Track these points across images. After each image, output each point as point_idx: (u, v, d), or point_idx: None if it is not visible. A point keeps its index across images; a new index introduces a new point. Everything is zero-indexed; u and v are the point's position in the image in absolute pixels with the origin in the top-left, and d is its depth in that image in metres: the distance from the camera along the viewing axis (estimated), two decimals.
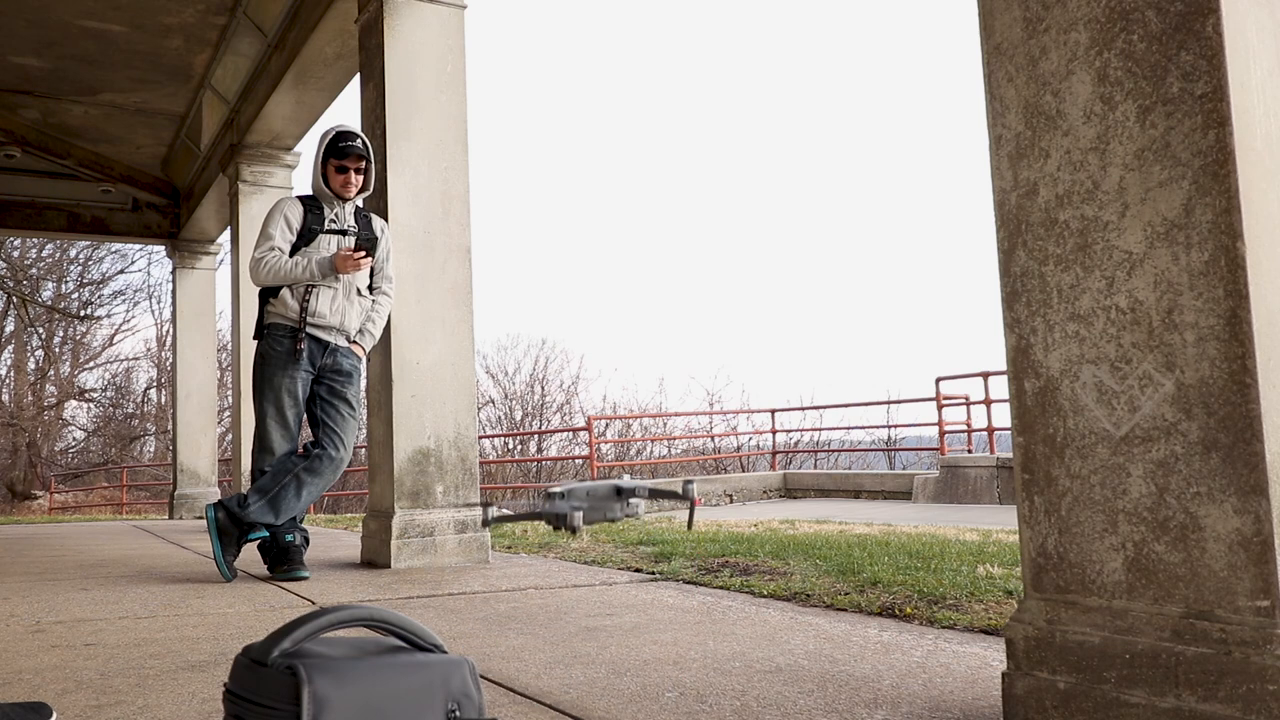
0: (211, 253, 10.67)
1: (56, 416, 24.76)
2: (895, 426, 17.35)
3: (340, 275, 4.04)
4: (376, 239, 4.22)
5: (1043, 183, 1.62)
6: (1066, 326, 1.58)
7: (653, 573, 3.93)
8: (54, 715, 1.50)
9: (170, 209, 10.58)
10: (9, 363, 24.20)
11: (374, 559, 4.44)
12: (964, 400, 12.49)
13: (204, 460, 10.20)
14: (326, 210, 4.13)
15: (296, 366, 4.02)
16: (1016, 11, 1.67)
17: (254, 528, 3.94)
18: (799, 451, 17.75)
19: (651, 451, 21.28)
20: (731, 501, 12.78)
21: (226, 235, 10.29)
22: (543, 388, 24.15)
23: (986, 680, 2.03)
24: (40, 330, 23.82)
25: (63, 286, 23.37)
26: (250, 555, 4.63)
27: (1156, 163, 1.46)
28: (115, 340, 25.24)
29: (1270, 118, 1.46)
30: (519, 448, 22.68)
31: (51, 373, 24.59)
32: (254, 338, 4.19)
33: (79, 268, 23.33)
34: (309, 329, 4.03)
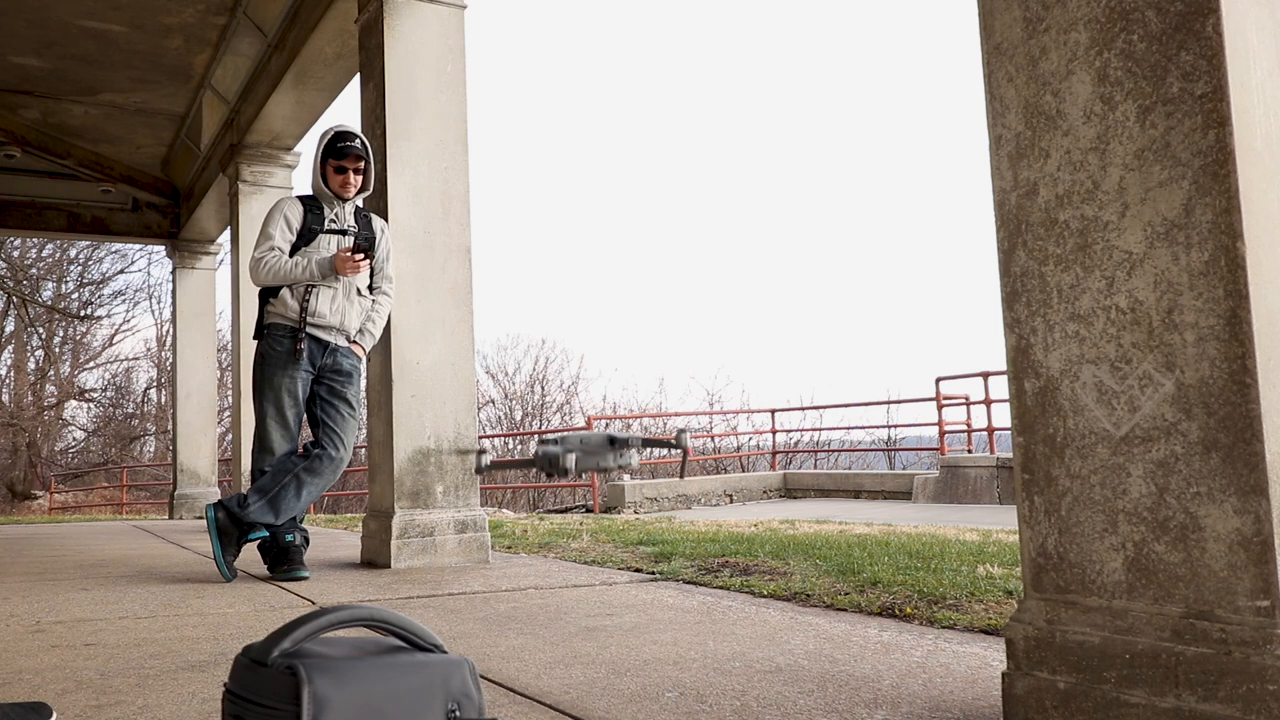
0: (211, 253, 10.67)
1: (56, 416, 24.76)
2: (895, 426, 17.35)
3: (340, 276, 4.04)
4: (376, 239, 4.22)
5: (1043, 183, 1.62)
6: (1066, 326, 1.58)
7: (653, 573, 3.93)
8: (54, 715, 1.50)
9: (170, 209, 10.58)
10: (9, 363, 24.21)
11: (374, 559, 4.44)
12: (964, 400, 12.49)
13: (204, 460, 10.20)
14: (326, 210, 4.13)
15: (296, 366, 4.02)
16: (1016, 11, 1.67)
17: (254, 528, 3.94)
18: (799, 451, 17.74)
19: (651, 451, 21.26)
20: (731, 501, 12.78)
21: (226, 235, 10.29)
22: (543, 388, 24.15)
23: (986, 680, 2.03)
24: (40, 330, 23.82)
25: (63, 286, 23.38)
26: (250, 555, 4.63)
27: (1156, 163, 1.46)
28: (115, 340, 25.25)
29: (1270, 118, 1.46)
30: (519, 448, 22.67)
31: (51, 373, 24.59)
32: (254, 338, 4.19)
33: (79, 268, 23.35)
34: (309, 329, 4.03)
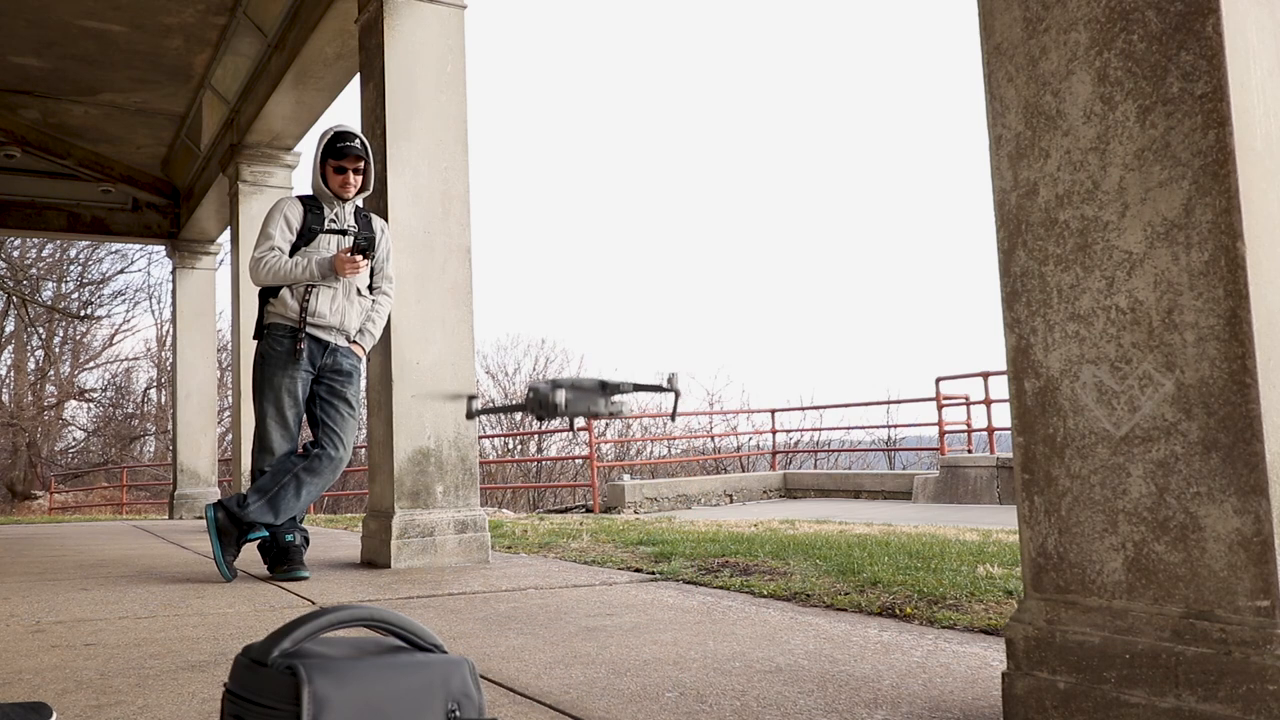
0: (211, 253, 10.67)
1: (56, 416, 24.76)
2: (895, 426, 17.35)
3: (340, 276, 4.04)
4: (376, 239, 4.22)
5: (1043, 183, 1.62)
6: (1066, 326, 1.58)
7: (653, 573, 3.93)
8: (54, 715, 1.50)
9: (170, 209, 10.58)
10: (9, 363, 24.21)
11: (374, 559, 4.44)
12: (964, 400, 12.49)
13: (204, 460, 10.20)
14: (326, 210, 4.13)
15: (296, 366, 4.02)
16: (1016, 11, 1.67)
17: (253, 527, 3.94)
18: (799, 451, 17.74)
19: (651, 451, 21.27)
20: (731, 501, 12.78)
21: (226, 235, 10.29)
22: None
23: (986, 680, 2.03)
24: (40, 330, 23.82)
25: (63, 286, 23.37)
26: (250, 555, 4.63)
27: (1156, 163, 1.46)
28: (115, 340, 25.25)
29: (1270, 118, 1.46)
30: (519, 448, 22.67)
31: (51, 373, 24.59)
32: (254, 338, 4.19)
33: (79, 268, 23.34)
34: (309, 329, 4.03)
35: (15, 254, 21.12)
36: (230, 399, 12.14)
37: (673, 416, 3.06)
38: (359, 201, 4.24)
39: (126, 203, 10.39)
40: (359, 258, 3.96)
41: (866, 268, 57.44)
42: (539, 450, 22.05)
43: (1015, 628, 1.64)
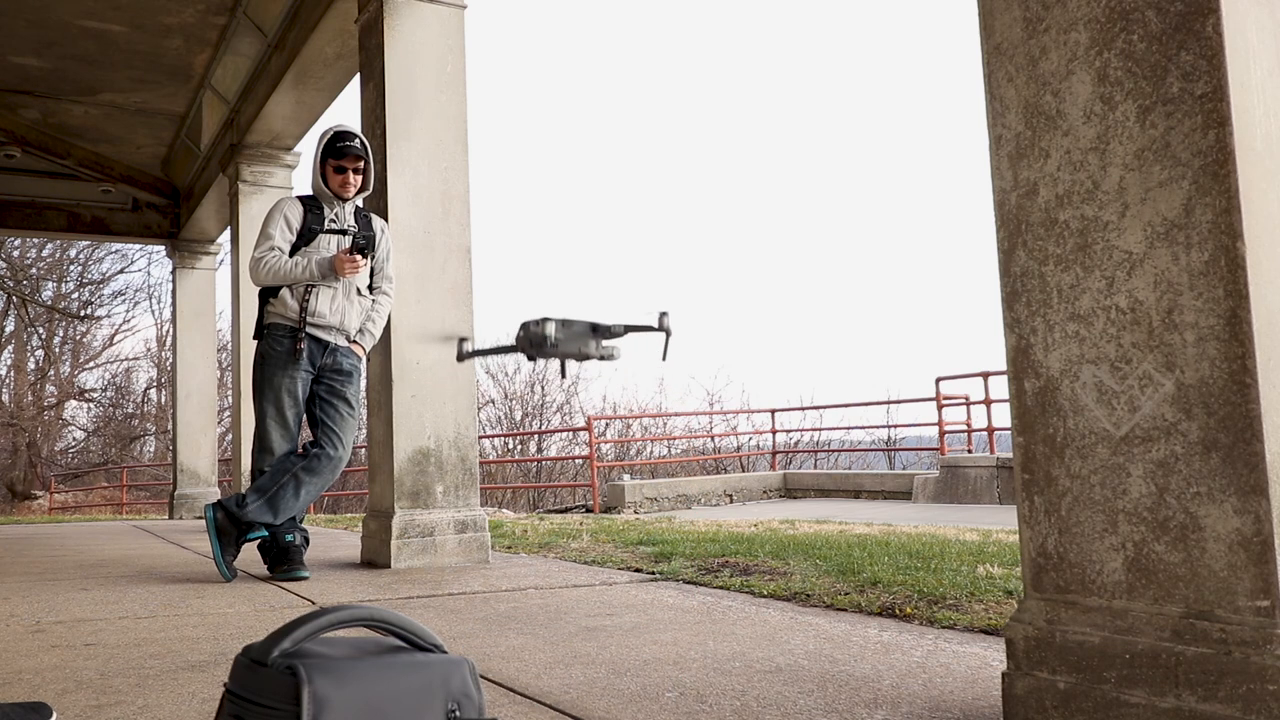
0: (211, 253, 10.67)
1: (56, 416, 24.76)
2: (895, 426, 17.35)
3: (340, 276, 4.04)
4: (375, 239, 4.22)
5: (1043, 183, 1.62)
6: (1066, 326, 1.58)
7: (653, 573, 3.93)
8: (54, 715, 1.50)
9: (170, 209, 10.58)
10: (9, 363, 24.21)
11: (374, 559, 4.44)
12: (964, 400, 12.49)
13: (204, 460, 10.20)
14: (326, 210, 4.13)
15: (296, 366, 4.02)
16: (1016, 11, 1.67)
17: (253, 527, 3.94)
18: (799, 451, 17.74)
19: (651, 451, 21.27)
20: (731, 501, 12.78)
21: (226, 235, 10.29)
22: (542, 388, 24.13)
23: (986, 680, 2.03)
24: (40, 330, 23.82)
25: (63, 286, 23.37)
26: (250, 555, 4.63)
27: (1156, 163, 1.46)
28: (115, 340, 25.25)
29: (1270, 118, 1.46)
30: (519, 448, 22.67)
31: (51, 373, 24.59)
32: (254, 338, 4.19)
33: (79, 268, 23.34)
34: (309, 329, 4.03)
35: (15, 254, 21.13)
36: (230, 399, 12.14)
37: (663, 357, 3.02)
38: (359, 201, 4.24)
39: (126, 203, 10.39)
40: (358, 257, 3.96)
41: (867, 268, 57.44)
42: (539, 450, 22.05)
43: (1015, 628, 1.64)
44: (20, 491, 22.17)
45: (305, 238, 4.07)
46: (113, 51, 7.46)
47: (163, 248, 11.51)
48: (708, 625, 2.74)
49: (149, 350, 25.69)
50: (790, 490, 13.39)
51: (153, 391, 25.57)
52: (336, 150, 4.07)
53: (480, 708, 1.19)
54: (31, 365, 24.36)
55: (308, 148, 8.15)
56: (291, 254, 4.04)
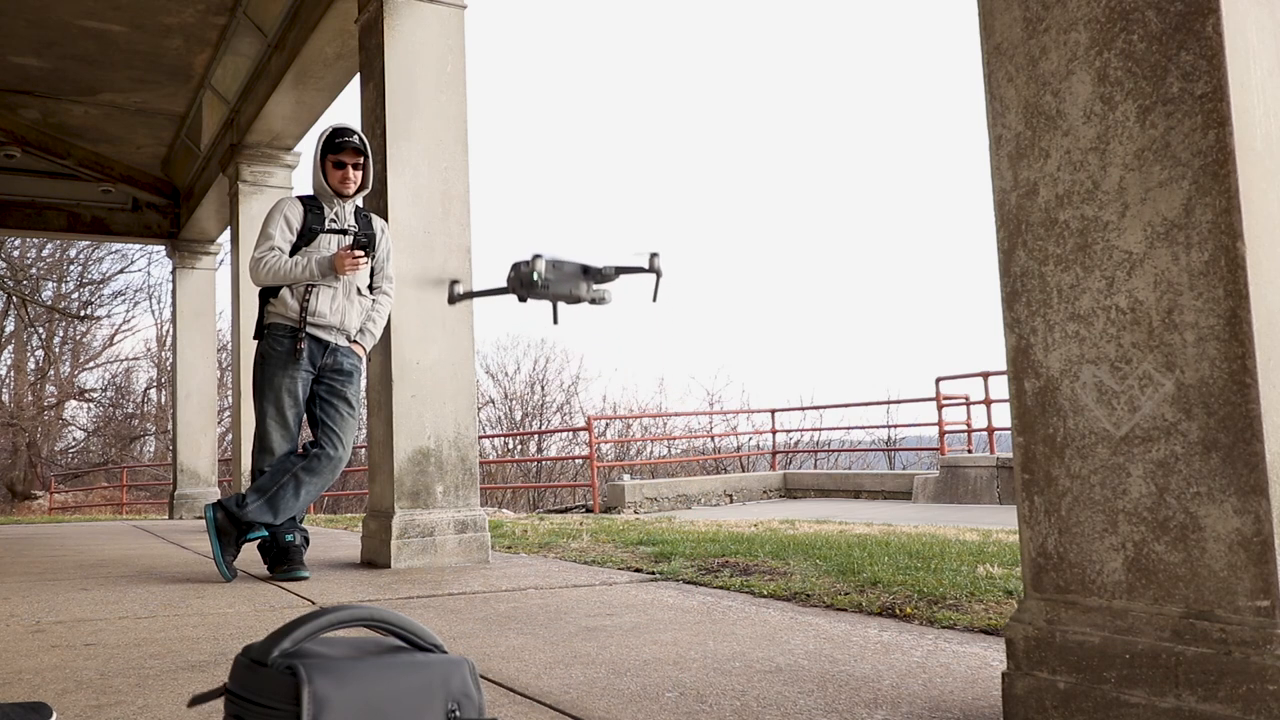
0: (211, 253, 10.67)
1: (56, 416, 24.76)
2: (895, 426, 17.35)
3: (340, 275, 4.04)
4: (375, 238, 4.22)
5: (1043, 183, 1.62)
6: (1066, 326, 1.58)
7: (653, 573, 3.93)
8: (54, 715, 1.50)
9: (170, 209, 10.58)
10: (9, 363, 24.21)
11: (374, 559, 4.44)
12: (964, 400, 12.49)
13: (204, 460, 10.20)
14: (327, 210, 4.13)
15: (297, 366, 4.02)
16: (1016, 11, 1.67)
17: (253, 527, 3.94)
18: (799, 451, 17.74)
19: (651, 451, 21.27)
20: (731, 501, 12.78)
21: (226, 235, 10.29)
22: (542, 388, 24.14)
23: (986, 680, 2.03)
24: (40, 330, 23.82)
25: (63, 286, 23.37)
26: (250, 555, 4.63)
27: (1156, 163, 1.46)
28: (115, 340, 25.25)
29: (1270, 118, 1.46)
30: (519, 448, 22.67)
31: (51, 373, 24.58)
32: (254, 338, 4.19)
33: (79, 268, 23.35)
34: (309, 329, 4.03)
35: (15, 254, 21.12)
36: (230, 399, 12.14)
37: (654, 298, 2.99)
38: (359, 201, 4.24)
39: (126, 203, 10.39)
40: (358, 252, 3.97)
41: (866, 268, 57.46)
42: (539, 450, 22.05)
43: (1015, 628, 1.64)
44: (20, 491, 22.18)
45: (305, 237, 4.07)
46: (113, 51, 7.46)
47: (163, 248, 11.51)
48: (708, 625, 2.74)
49: (149, 350, 25.71)
50: (790, 490, 13.39)
51: (153, 391, 25.59)
52: (335, 146, 4.08)
53: (480, 708, 1.19)
54: (31, 365, 24.36)
55: (308, 148, 8.16)
56: (292, 254, 4.04)
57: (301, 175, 11.00)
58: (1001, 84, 1.69)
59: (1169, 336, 1.44)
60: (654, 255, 2.42)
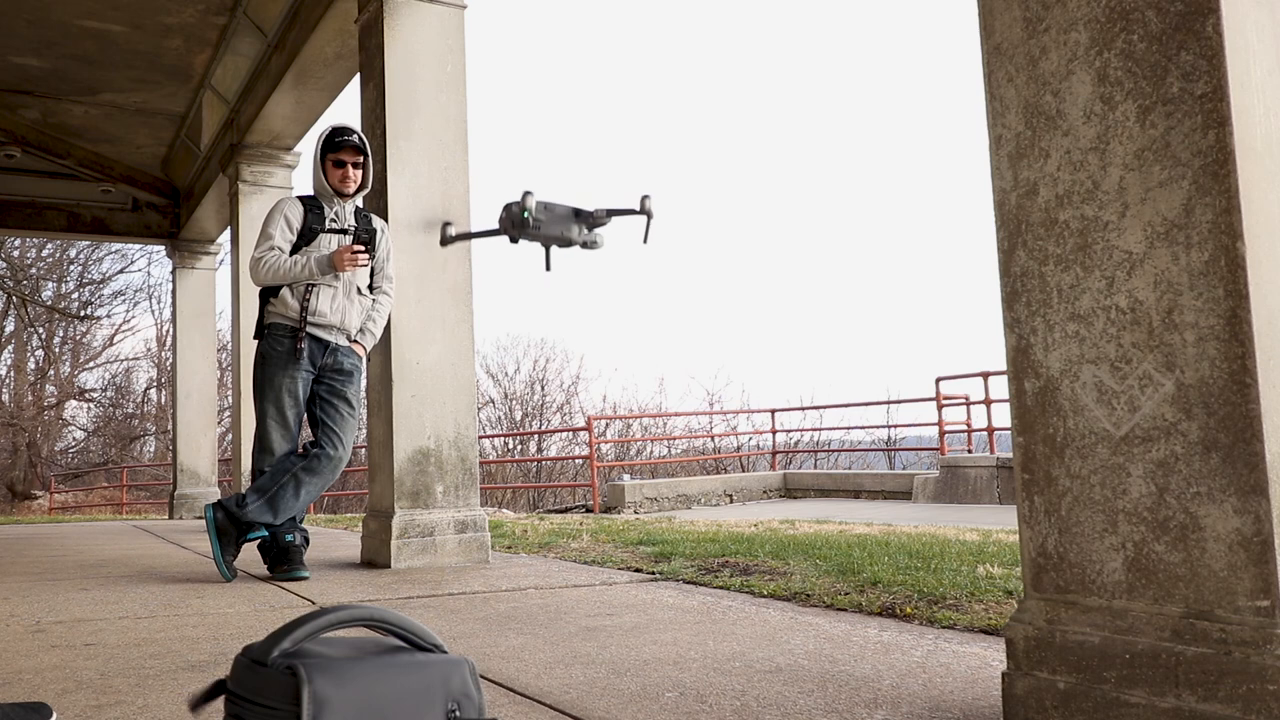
0: (211, 253, 10.67)
1: (56, 416, 24.76)
2: (895, 426, 17.36)
3: (340, 274, 4.04)
4: (375, 238, 4.22)
5: (1043, 183, 1.62)
6: (1066, 326, 1.58)
7: (653, 573, 3.93)
8: (54, 715, 1.50)
9: (170, 209, 10.58)
10: (9, 363, 24.21)
11: (374, 559, 4.44)
12: (964, 400, 12.49)
13: (204, 460, 10.20)
14: (327, 209, 4.13)
15: (297, 366, 4.02)
16: (1016, 11, 1.67)
17: (253, 527, 3.94)
18: (799, 451, 17.74)
19: (651, 451, 21.28)
20: (731, 501, 12.78)
21: (226, 235, 10.29)
22: (542, 388, 24.14)
23: (986, 680, 2.03)
24: (40, 330, 23.81)
25: (63, 286, 23.37)
26: (250, 555, 4.63)
27: (1156, 163, 1.46)
28: (115, 340, 25.25)
29: (1270, 118, 1.46)
30: (519, 448, 22.67)
31: (51, 373, 24.59)
32: (254, 337, 4.19)
33: (79, 268, 23.35)
34: (309, 328, 4.03)
35: (15, 254, 21.12)
36: (230, 399, 12.13)
37: (644, 239, 2.98)
38: (359, 201, 4.24)
39: (126, 203, 10.39)
40: (358, 247, 3.97)
41: (866, 267, 57.46)
42: (539, 450, 22.05)
43: (1015, 628, 1.64)
44: (20, 491, 22.17)
45: (306, 237, 4.07)
46: (113, 51, 7.46)
47: (163, 248, 11.50)
48: (708, 625, 2.74)
49: (149, 350, 25.71)
50: (790, 490, 13.39)
51: (153, 391, 25.59)
52: (335, 145, 4.08)
53: (480, 708, 1.19)
54: (31, 365, 24.36)
55: (308, 148, 8.15)
56: (292, 254, 4.04)
57: (301, 175, 11.01)
58: (1001, 84, 1.69)
59: (1169, 336, 1.44)
60: (645, 197, 2.42)
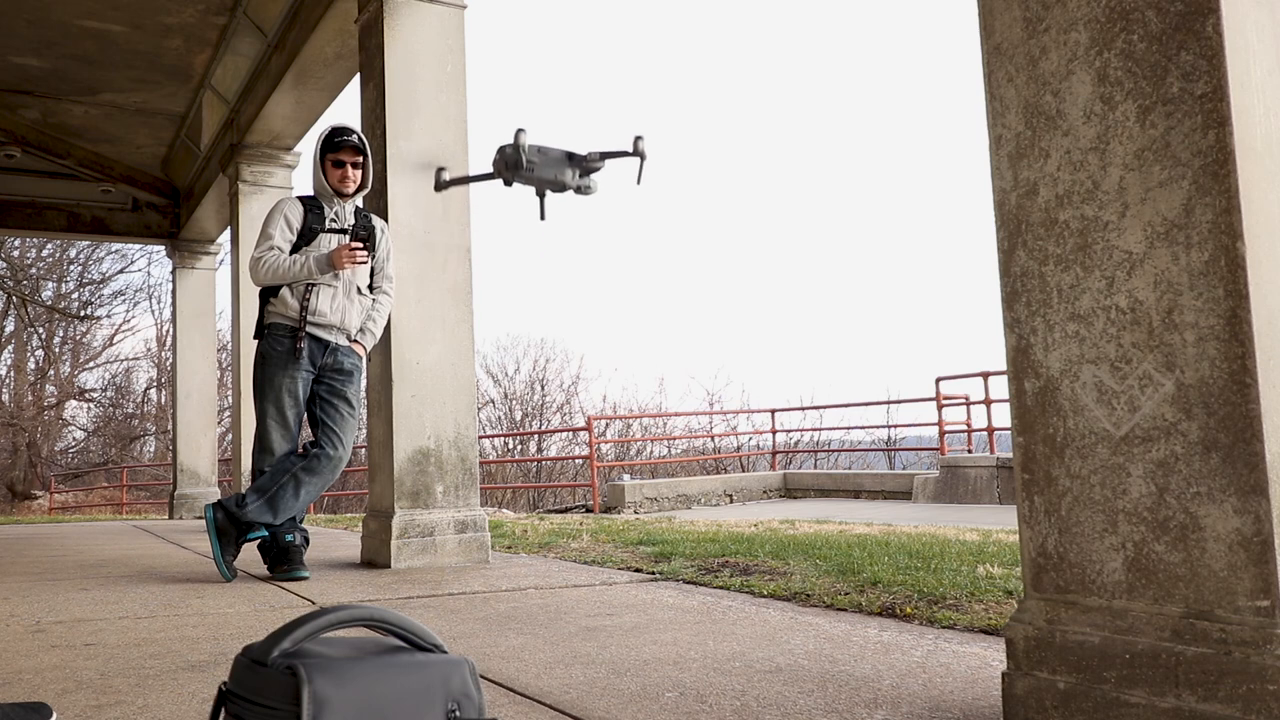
0: (211, 253, 10.67)
1: (56, 416, 24.76)
2: (895, 426, 17.36)
3: (340, 274, 4.04)
4: (375, 235, 4.22)
5: (1043, 183, 1.62)
6: (1066, 326, 1.58)
7: (653, 573, 3.93)
8: (54, 715, 1.50)
9: (170, 209, 10.58)
10: (9, 363, 24.20)
11: (374, 559, 4.44)
12: (964, 400, 12.49)
13: (204, 460, 10.20)
14: (327, 209, 4.13)
15: (297, 366, 4.02)
16: (1016, 11, 1.67)
17: (253, 527, 3.94)
18: (799, 451, 17.74)
19: (651, 451, 21.27)
20: (731, 501, 12.78)
21: (226, 235, 10.29)
22: (542, 388, 24.14)
23: (986, 680, 2.03)
24: (40, 330, 23.81)
25: (63, 286, 23.36)
26: (250, 555, 4.63)
27: (1156, 163, 1.46)
28: (115, 340, 25.24)
29: (1270, 118, 1.46)
30: (519, 448, 22.67)
31: (51, 373, 24.58)
32: (254, 337, 4.19)
33: (79, 268, 23.34)
34: (309, 328, 4.03)
35: (15, 254, 21.12)
36: (230, 399, 12.13)
37: (638, 180, 2.99)
38: (359, 201, 4.24)
39: (126, 203, 10.39)
40: (357, 243, 3.96)
41: (866, 267, 57.46)
42: (539, 450, 22.05)
43: (1015, 628, 1.64)
44: (20, 491, 22.17)
45: (305, 237, 4.07)
46: (113, 51, 7.46)
47: (163, 248, 11.50)
48: (708, 625, 2.74)
49: (149, 350, 25.71)
50: (790, 490, 13.39)
51: (153, 391, 25.59)
52: (334, 145, 4.08)
53: (480, 708, 1.19)
54: (31, 365, 24.36)
55: (308, 148, 8.15)
56: (292, 254, 4.04)
57: (301, 175, 11.01)
58: (1001, 84, 1.69)
59: (1169, 336, 1.44)
60: (638, 139, 2.42)
